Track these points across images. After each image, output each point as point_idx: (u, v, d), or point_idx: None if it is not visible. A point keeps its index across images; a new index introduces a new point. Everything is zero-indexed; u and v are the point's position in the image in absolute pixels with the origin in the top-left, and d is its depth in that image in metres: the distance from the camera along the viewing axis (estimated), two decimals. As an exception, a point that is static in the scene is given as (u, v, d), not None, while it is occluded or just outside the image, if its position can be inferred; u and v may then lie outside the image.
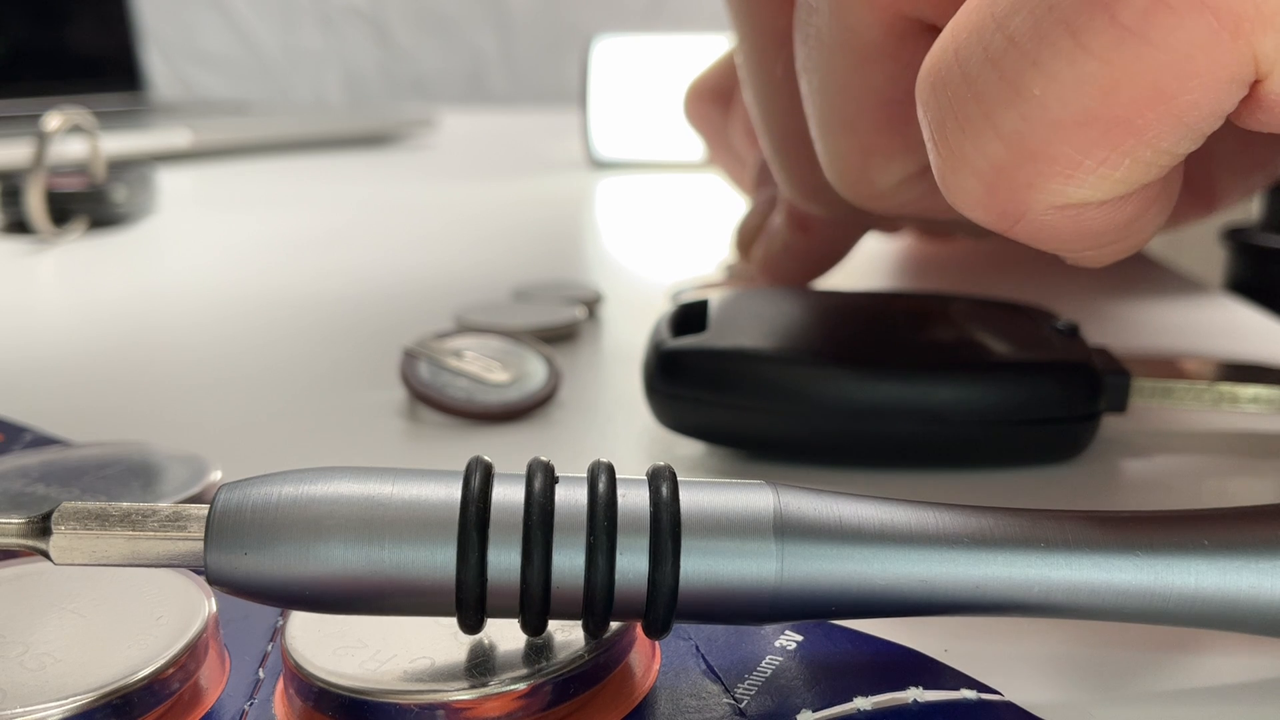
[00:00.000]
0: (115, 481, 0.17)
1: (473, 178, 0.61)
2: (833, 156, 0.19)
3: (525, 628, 0.12)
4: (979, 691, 0.12)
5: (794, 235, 0.26)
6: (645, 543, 0.11)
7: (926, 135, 0.14)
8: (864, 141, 0.19)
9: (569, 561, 0.11)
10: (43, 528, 0.11)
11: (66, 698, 0.11)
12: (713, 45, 0.52)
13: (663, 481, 0.12)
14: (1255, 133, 0.14)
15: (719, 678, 0.12)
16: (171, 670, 0.12)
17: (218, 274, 0.37)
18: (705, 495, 0.12)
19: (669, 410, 0.19)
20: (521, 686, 0.11)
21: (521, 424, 0.22)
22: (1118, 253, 0.15)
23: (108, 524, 0.11)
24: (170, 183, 0.53)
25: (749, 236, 0.28)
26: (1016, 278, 0.33)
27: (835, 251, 0.27)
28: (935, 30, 0.17)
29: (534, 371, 0.23)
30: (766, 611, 0.12)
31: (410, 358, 0.23)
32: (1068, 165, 0.13)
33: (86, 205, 0.43)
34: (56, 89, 0.71)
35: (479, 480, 0.11)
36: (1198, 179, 0.23)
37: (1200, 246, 0.43)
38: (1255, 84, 0.12)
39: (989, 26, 0.13)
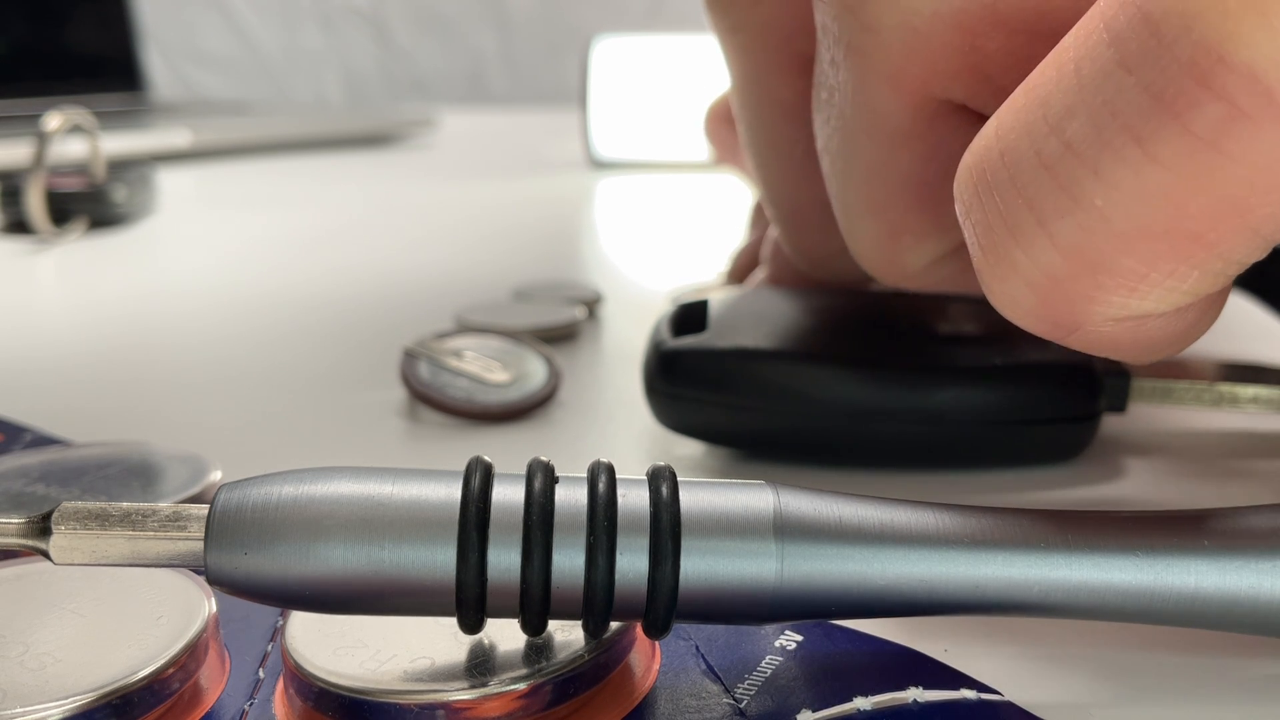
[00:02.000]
0: (115, 481, 0.17)
1: (473, 178, 0.61)
2: (860, 239, 0.18)
3: (525, 628, 0.12)
4: (979, 691, 0.12)
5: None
6: (645, 543, 0.11)
7: (969, 238, 0.13)
8: (894, 224, 0.18)
9: (569, 561, 0.11)
10: (43, 528, 0.11)
11: (66, 698, 0.11)
12: (713, 46, 0.52)
13: (663, 481, 0.12)
14: None
15: (719, 678, 0.12)
16: (171, 670, 0.12)
17: (218, 274, 0.37)
18: (705, 495, 0.12)
19: (669, 410, 0.19)
20: (521, 686, 0.11)
21: (521, 424, 0.22)
22: (1170, 353, 0.15)
23: (108, 524, 0.11)
24: (170, 183, 0.53)
25: (742, 273, 0.27)
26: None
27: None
28: (966, 111, 0.16)
29: (534, 371, 0.23)
30: (766, 611, 0.12)
31: (410, 358, 0.23)
32: (1132, 278, 0.12)
33: (86, 205, 0.43)
34: (56, 89, 0.71)
35: (479, 480, 0.11)
36: None
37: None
38: None
39: (1041, 129, 0.12)
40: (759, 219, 0.28)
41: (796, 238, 0.22)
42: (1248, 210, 0.11)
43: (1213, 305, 0.14)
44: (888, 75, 0.16)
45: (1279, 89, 0.10)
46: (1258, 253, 0.12)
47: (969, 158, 0.13)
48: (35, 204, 0.40)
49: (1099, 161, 0.11)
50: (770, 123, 0.21)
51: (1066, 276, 0.12)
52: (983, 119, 0.14)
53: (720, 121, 0.33)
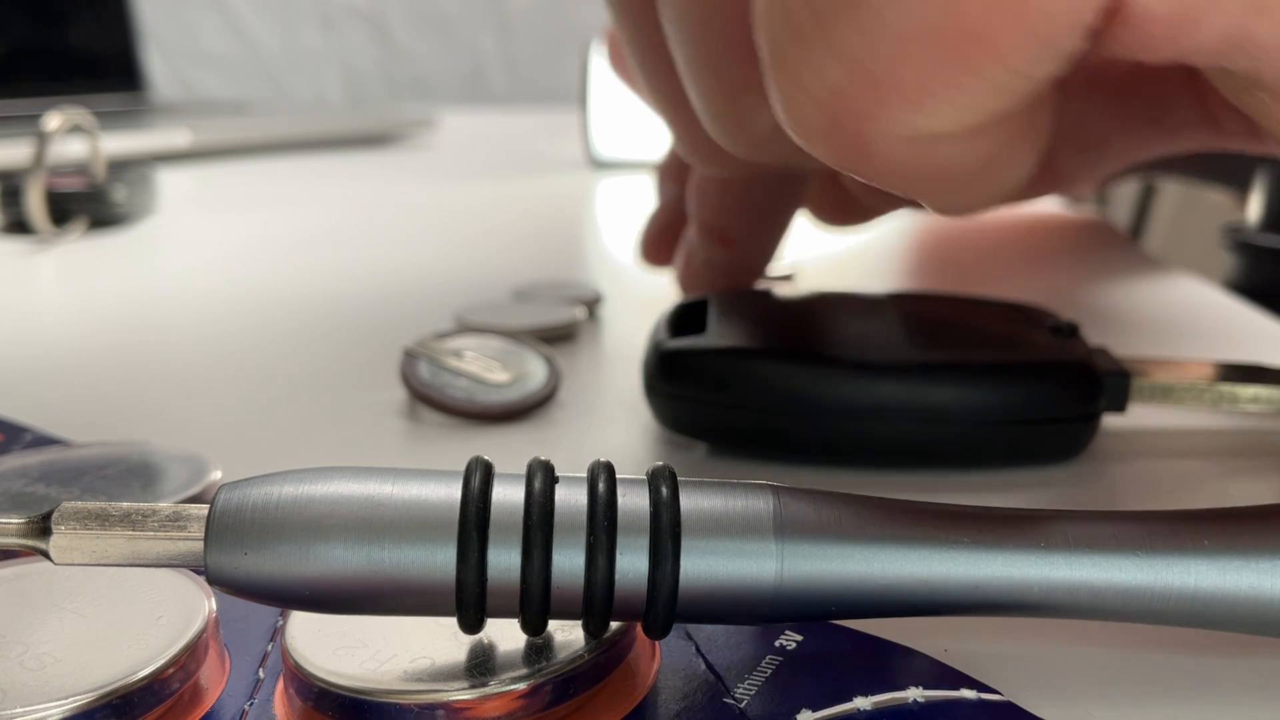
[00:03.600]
0: (115, 481, 0.17)
1: (473, 178, 0.61)
2: (704, 102, 0.18)
3: (525, 628, 0.12)
4: (979, 691, 0.12)
5: (713, 249, 0.24)
6: (645, 543, 0.11)
7: (763, 59, 0.13)
8: (732, 81, 0.17)
9: (569, 561, 0.11)
10: (43, 528, 0.11)
11: (66, 698, 0.11)
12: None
13: (663, 482, 0.12)
14: (1090, 109, 0.13)
15: (719, 678, 0.12)
16: (171, 670, 0.12)
17: (218, 274, 0.37)
18: (705, 495, 0.12)
19: (669, 410, 0.19)
20: (521, 686, 0.11)
21: (521, 424, 0.22)
22: (981, 200, 0.14)
23: (108, 524, 0.11)
24: (170, 183, 0.53)
25: (654, 238, 0.27)
26: (1017, 278, 0.33)
27: (756, 261, 0.25)
28: None
29: (534, 371, 0.23)
30: (766, 612, 0.12)
31: (410, 358, 0.23)
32: (914, 88, 0.12)
33: (86, 205, 0.43)
34: (56, 89, 0.70)
35: (479, 480, 0.11)
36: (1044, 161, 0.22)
37: (1200, 246, 0.43)
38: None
39: None
40: (665, 175, 0.28)
41: (677, 126, 0.21)
42: (1024, 8, 0.11)
43: (1015, 142, 0.13)
44: None
45: None
46: (1043, 62, 0.11)
47: None
48: (35, 204, 0.40)
49: None
50: (636, 18, 0.20)
51: (850, 90, 0.12)
52: None
53: (616, 48, 0.32)
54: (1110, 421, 0.20)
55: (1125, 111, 0.21)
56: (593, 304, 0.30)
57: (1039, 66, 0.11)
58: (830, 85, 0.12)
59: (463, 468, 0.12)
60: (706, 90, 0.18)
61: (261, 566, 0.11)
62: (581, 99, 0.60)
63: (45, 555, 0.11)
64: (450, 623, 0.12)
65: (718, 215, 0.24)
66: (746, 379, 0.18)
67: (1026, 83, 0.12)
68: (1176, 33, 0.11)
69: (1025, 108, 0.12)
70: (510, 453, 0.20)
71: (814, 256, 0.36)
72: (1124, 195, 0.74)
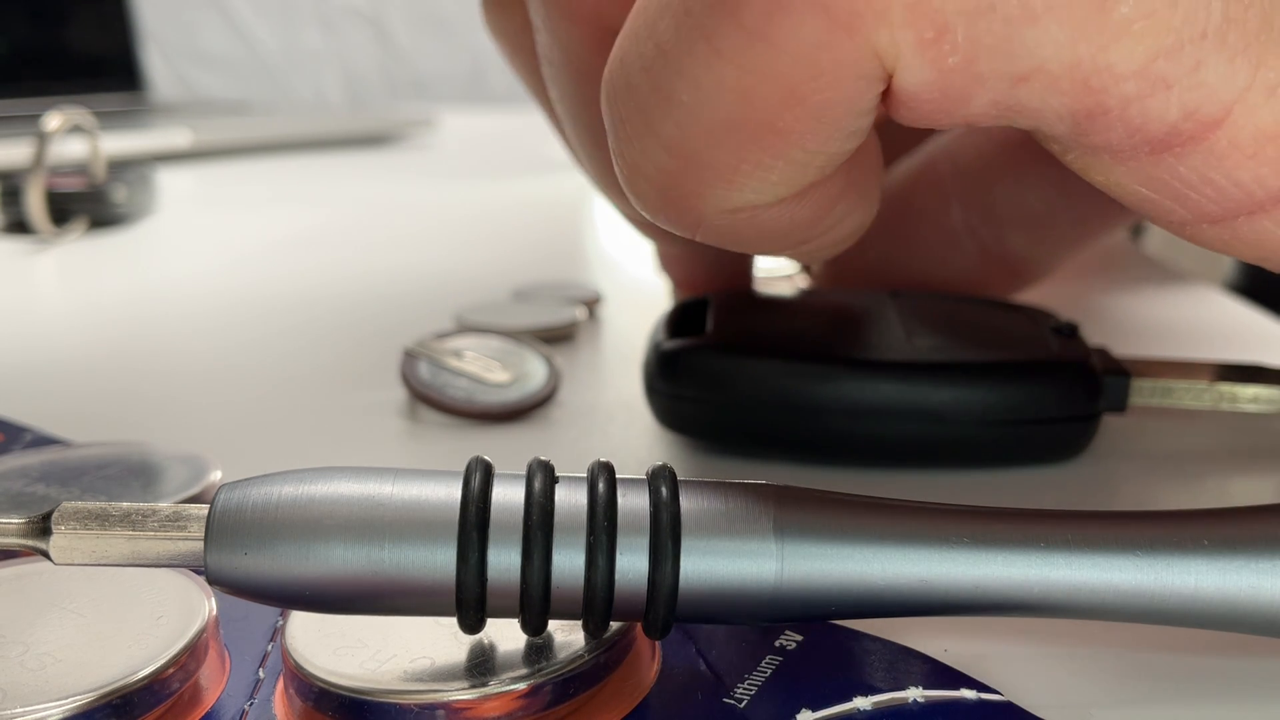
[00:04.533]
0: (115, 481, 0.17)
1: (473, 178, 0.61)
2: (595, 181, 0.19)
3: (525, 628, 0.12)
4: (979, 691, 0.12)
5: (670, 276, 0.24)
6: (645, 543, 0.11)
7: (610, 142, 0.14)
8: (606, 161, 0.17)
9: (569, 561, 0.11)
10: (43, 528, 0.11)
11: (66, 698, 0.11)
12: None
13: (663, 481, 0.12)
14: (1028, 191, 0.14)
15: (719, 678, 0.12)
16: (171, 670, 0.12)
17: (218, 274, 0.37)
18: (705, 495, 0.12)
19: (669, 410, 0.19)
20: (521, 686, 0.11)
21: (521, 424, 0.22)
22: (823, 249, 0.15)
23: (108, 524, 0.11)
24: (170, 183, 0.53)
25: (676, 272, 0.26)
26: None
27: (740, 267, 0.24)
28: None
29: (534, 371, 0.23)
30: (766, 612, 0.12)
31: (410, 358, 0.23)
32: (726, 170, 0.13)
33: (86, 205, 0.43)
34: (56, 89, 0.70)
35: (479, 480, 0.11)
36: (997, 253, 0.23)
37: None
38: (890, 79, 0.12)
39: (643, 34, 0.13)
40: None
41: (610, 198, 0.21)
42: (805, 98, 0.12)
43: (838, 200, 0.14)
44: (565, 9, 0.16)
45: None
46: (836, 140, 0.12)
47: (607, 66, 0.14)
48: (35, 204, 0.40)
49: (680, 60, 0.12)
50: (539, 98, 0.21)
51: (676, 172, 0.13)
52: None
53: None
54: (1110, 421, 0.20)
55: (1064, 189, 0.21)
56: (593, 304, 0.30)
57: (832, 144, 0.13)
58: (659, 167, 0.13)
59: (463, 468, 0.12)
60: (589, 168, 0.19)
61: (261, 566, 0.11)
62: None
63: (45, 555, 0.11)
64: (450, 623, 0.12)
65: (680, 270, 0.24)
66: (746, 379, 0.18)
67: (826, 158, 0.13)
68: (949, 107, 0.12)
69: (840, 171, 0.14)
70: (510, 453, 0.20)
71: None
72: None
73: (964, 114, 0.12)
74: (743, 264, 0.24)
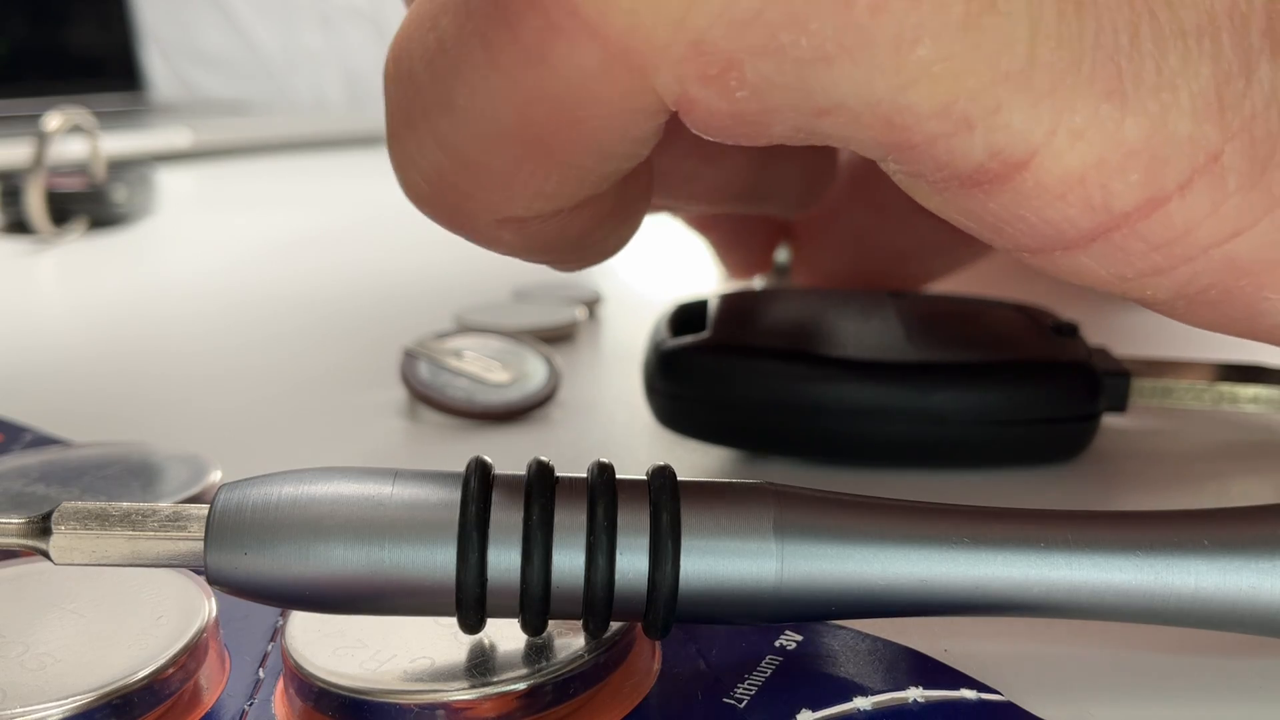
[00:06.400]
0: (115, 481, 0.17)
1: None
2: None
3: (525, 628, 0.12)
4: (979, 691, 0.12)
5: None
6: (645, 543, 0.11)
7: (387, 125, 0.13)
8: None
9: (569, 561, 0.11)
10: (43, 528, 0.11)
11: (66, 698, 0.11)
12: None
13: (662, 481, 0.12)
14: (923, 220, 0.14)
15: (719, 678, 0.12)
16: (171, 670, 0.12)
17: (217, 274, 0.37)
18: (705, 495, 0.12)
19: (669, 410, 0.19)
20: (521, 686, 0.11)
21: (521, 424, 0.22)
22: (584, 262, 0.15)
23: (108, 524, 0.11)
24: (170, 183, 0.53)
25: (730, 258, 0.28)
26: (1017, 278, 0.33)
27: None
28: None
29: (534, 371, 0.23)
30: (766, 612, 0.12)
31: (410, 358, 0.23)
32: (501, 179, 0.12)
33: (86, 205, 0.43)
34: (56, 89, 0.71)
35: (479, 480, 0.11)
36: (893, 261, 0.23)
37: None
38: (676, 107, 0.11)
39: (426, 23, 0.12)
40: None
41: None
42: (580, 121, 0.11)
43: (607, 218, 0.14)
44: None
45: (583, 6, 0.10)
46: (613, 162, 0.12)
47: (392, 43, 0.13)
48: (35, 204, 0.40)
49: (459, 62, 0.12)
50: None
51: (449, 171, 0.13)
52: None
53: None
54: (1110, 421, 0.20)
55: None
56: (592, 304, 0.30)
57: (605, 165, 0.12)
58: (433, 163, 0.13)
59: (462, 468, 0.12)
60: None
61: (261, 566, 0.11)
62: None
63: (45, 555, 0.11)
64: (450, 623, 0.12)
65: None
66: (746, 379, 0.18)
67: (600, 178, 0.13)
68: (749, 132, 0.12)
69: (611, 192, 0.13)
70: (510, 453, 0.20)
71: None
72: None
73: (767, 138, 0.12)
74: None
